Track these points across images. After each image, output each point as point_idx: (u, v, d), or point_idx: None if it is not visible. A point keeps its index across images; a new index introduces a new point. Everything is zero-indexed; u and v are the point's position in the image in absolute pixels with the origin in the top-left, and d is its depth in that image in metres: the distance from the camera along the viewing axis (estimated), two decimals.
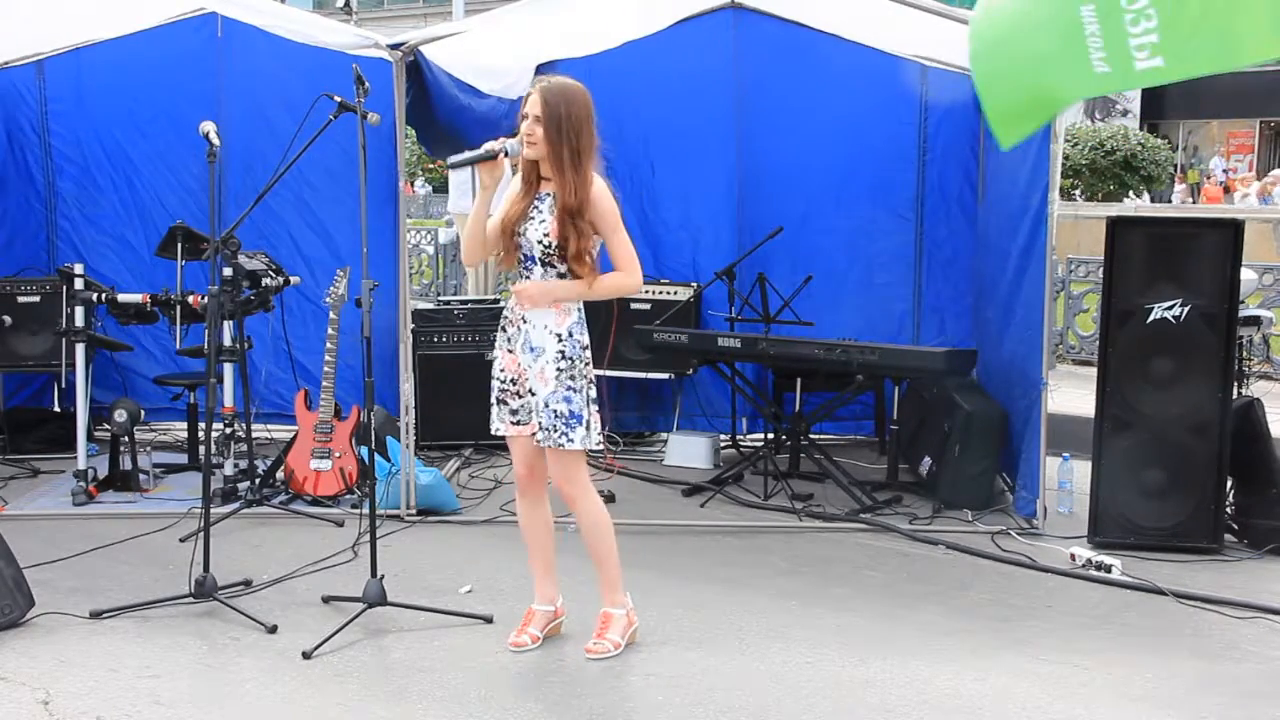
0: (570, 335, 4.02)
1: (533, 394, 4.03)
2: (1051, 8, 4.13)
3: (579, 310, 4.07)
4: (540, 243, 3.97)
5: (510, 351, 4.08)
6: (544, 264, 4.00)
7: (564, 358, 4.00)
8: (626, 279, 4.07)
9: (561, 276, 4.01)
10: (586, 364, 4.06)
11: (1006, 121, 4.43)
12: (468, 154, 4.00)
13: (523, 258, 4.03)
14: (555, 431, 3.99)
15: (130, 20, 6.58)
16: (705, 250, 7.22)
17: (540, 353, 4.01)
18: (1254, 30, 3.94)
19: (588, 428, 4.02)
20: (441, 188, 25.52)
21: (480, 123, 6.26)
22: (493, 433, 4.18)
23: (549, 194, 4.00)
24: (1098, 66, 4.11)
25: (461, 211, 8.83)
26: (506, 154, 3.94)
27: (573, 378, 4.01)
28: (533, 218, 4.00)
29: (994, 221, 6.61)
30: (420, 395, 6.58)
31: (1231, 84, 28.71)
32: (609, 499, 5.55)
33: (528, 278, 4.03)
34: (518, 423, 4.09)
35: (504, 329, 4.12)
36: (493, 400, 4.14)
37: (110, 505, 5.85)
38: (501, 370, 4.11)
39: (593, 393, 4.08)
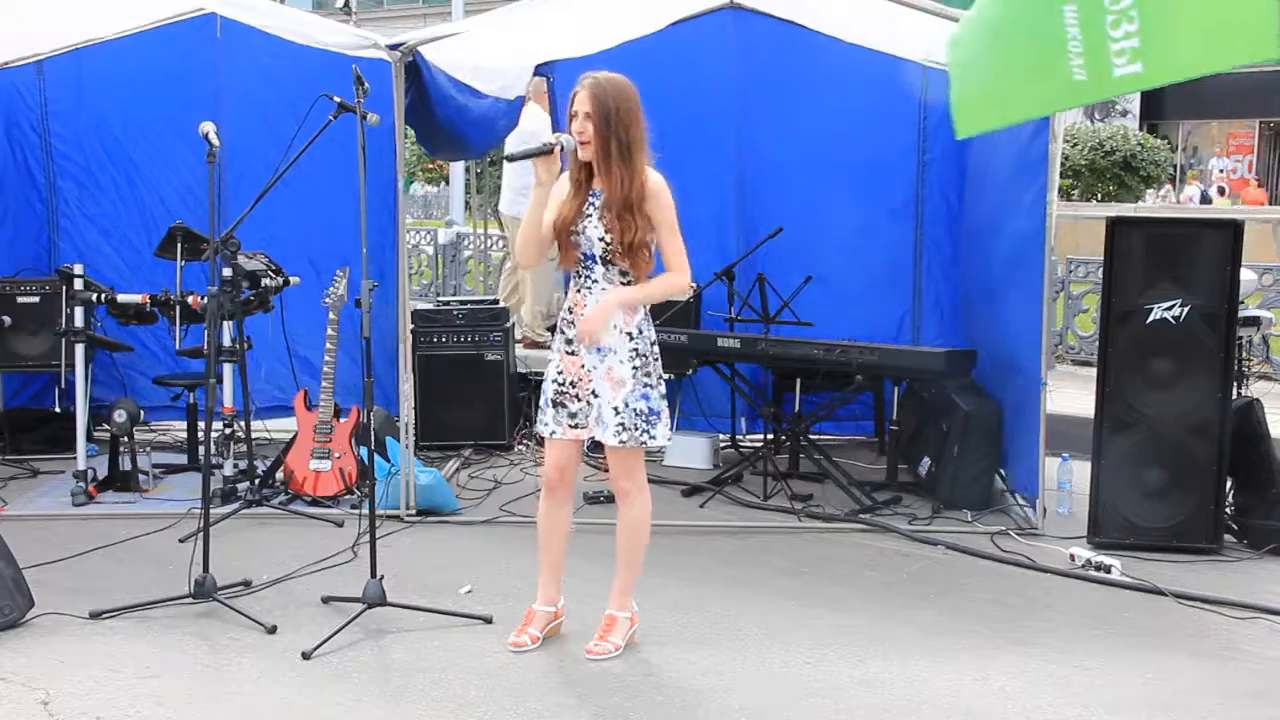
0: (641, 332, 4.00)
1: (595, 396, 3.98)
2: (1035, 7, 3.98)
3: (645, 307, 4.04)
4: (602, 240, 3.93)
5: (571, 354, 4.02)
6: (605, 262, 3.96)
7: (638, 355, 3.98)
8: (678, 279, 4.00)
9: (624, 273, 3.98)
10: (658, 360, 4.05)
11: (970, 114, 4.28)
12: (527, 147, 3.93)
13: (582, 257, 3.99)
14: (638, 430, 3.96)
15: (130, 20, 6.58)
16: (705, 250, 7.20)
17: (607, 353, 3.97)
18: (1241, 30, 3.72)
19: (665, 424, 4.04)
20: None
21: (479, 123, 6.28)
22: (546, 435, 4.08)
23: (603, 191, 3.96)
24: (1076, 74, 3.94)
25: (514, 215, 8.82)
26: (563, 148, 3.89)
27: (648, 374, 4.00)
28: (589, 215, 3.96)
29: (993, 221, 6.61)
30: (420, 395, 6.58)
31: (1231, 84, 28.68)
32: (610, 499, 5.56)
33: (589, 277, 3.98)
34: (575, 425, 4.02)
35: (562, 331, 4.06)
36: (545, 402, 4.07)
37: (110, 505, 5.84)
38: (560, 373, 4.04)
39: (664, 388, 4.06)
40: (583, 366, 4.00)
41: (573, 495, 4.23)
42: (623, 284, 3.98)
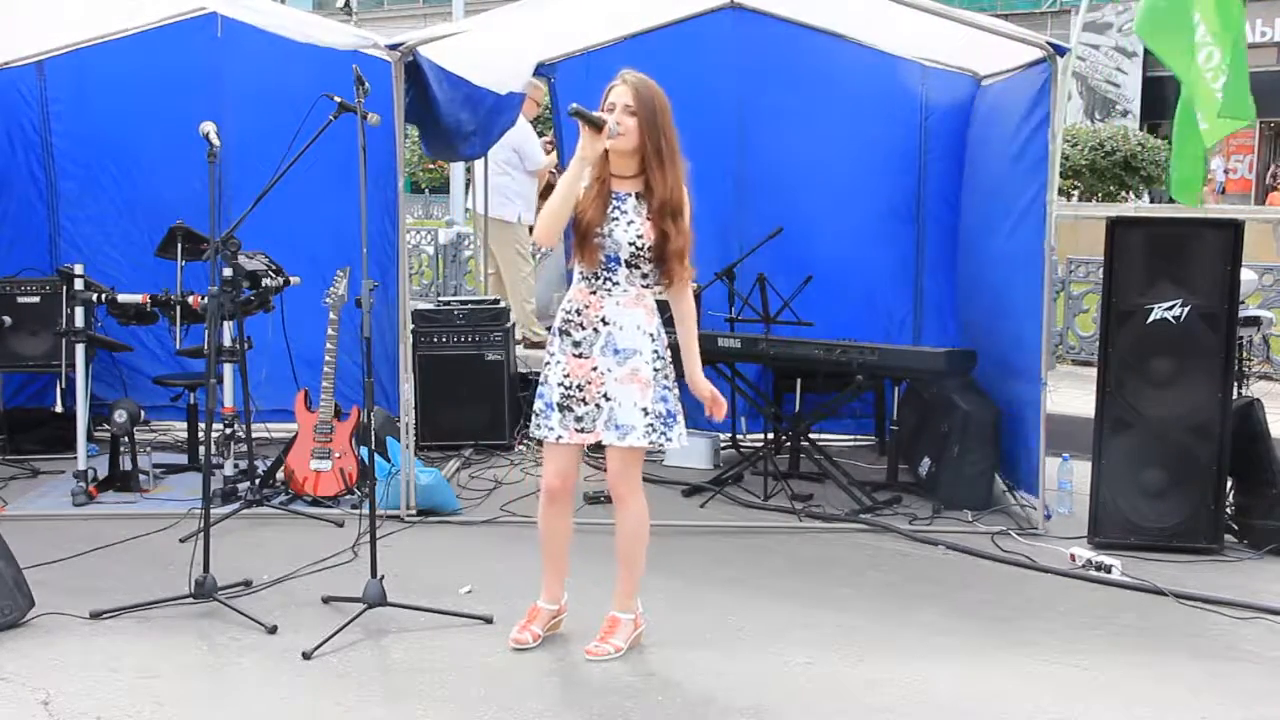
0: (660, 335, 3.98)
1: (606, 399, 3.93)
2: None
3: (655, 309, 4.03)
4: (632, 244, 3.88)
5: (580, 356, 3.96)
6: (630, 265, 3.92)
7: (659, 357, 3.96)
8: (690, 301, 4.13)
9: (645, 277, 3.96)
10: (672, 363, 4.04)
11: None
12: (588, 111, 3.82)
13: (605, 259, 3.92)
14: (655, 431, 3.92)
15: (130, 20, 6.59)
16: (704, 250, 7.18)
17: (631, 354, 3.93)
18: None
19: (681, 425, 4.01)
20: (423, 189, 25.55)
21: (479, 119, 6.29)
22: (551, 440, 4.00)
23: (629, 194, 3.92)
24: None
25: (499, 217, 8.87)
26: (609, 134, 3.81)
27: (667, 376, 3.98)
28: (616, 219, 3.90)
29: (993, 221, 6.60)
30: (420, 395, 6.58)
31: None
32: (609, 499, 5.55)
33: (610, 279, 3.94)
34: (581, 430, 3.97)
35: (568, 333, 3.98)
36: (546, 405, 3.98)
37: (110, 505, 5.84)
38: (566, 376, 3.96)
39: (678, 390, 4.05)
40: (594, 369, 3.95)
41: (573, 501, 4.22)
42: (643, 287, 3.96)
